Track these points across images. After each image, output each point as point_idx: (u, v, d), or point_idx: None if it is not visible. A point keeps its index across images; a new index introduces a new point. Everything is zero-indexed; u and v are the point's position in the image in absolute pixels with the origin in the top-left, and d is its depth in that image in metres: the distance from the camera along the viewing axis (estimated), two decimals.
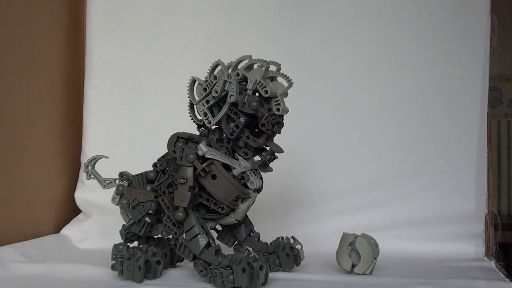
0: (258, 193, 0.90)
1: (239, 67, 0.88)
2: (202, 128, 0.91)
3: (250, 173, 0.87)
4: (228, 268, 0.82)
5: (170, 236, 0.88)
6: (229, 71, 0.88)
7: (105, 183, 0.96)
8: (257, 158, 0.90)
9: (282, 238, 0.97)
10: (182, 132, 0.89)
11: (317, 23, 1.26)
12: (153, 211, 0.90)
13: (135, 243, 0.94)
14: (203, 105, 0.88)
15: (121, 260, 0.88)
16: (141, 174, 0.93)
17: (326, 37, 1.26)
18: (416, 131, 1.22)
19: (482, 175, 1.18)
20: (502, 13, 1.19)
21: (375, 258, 0.93)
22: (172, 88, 1.26)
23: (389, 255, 1.04)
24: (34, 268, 0.97)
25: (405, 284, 0.86)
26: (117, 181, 0.95)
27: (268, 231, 1.03)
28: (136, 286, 0.85)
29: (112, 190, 0.95)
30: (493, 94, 2.11)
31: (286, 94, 0.87)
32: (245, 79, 0.86)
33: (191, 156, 0.84)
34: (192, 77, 0.91)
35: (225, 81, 0.86)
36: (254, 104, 0.83)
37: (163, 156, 0.93)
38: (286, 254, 0.94)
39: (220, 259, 0.83)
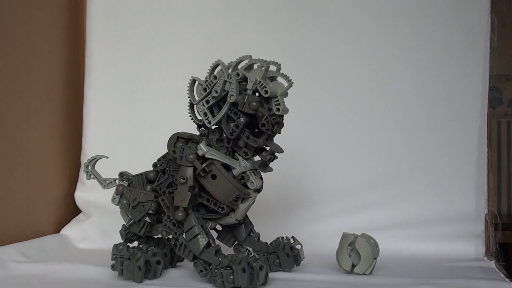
0: (258, 193, 0.90)
1: (239, 67, 0.88)
2: (202, 128, 0.91)
3: (250, 173, 0.87)
4: (228, 268, 0.82)
5: (170, 236, 0.88)
6: (229, 71, 0.88)
7: (105, 183, 0.96)
8: (257, 158, 0.90)
9: (282, 238, 0.97)
10: (182, 132, 0.89)
11: (317, 23, 1.26)
12: (153, 211, 0.90)
13: (135, 243, 0.94)
14: (203, 105, 0.88)
15: (121, 260, 0.88)
16: (141, 174, 0.93)
17: (326, 37, 1.26)
18: (416, 131, 1.22)
19: (482, 175, 1.17)
20: (502, 13, 1.19)
21: (375, 258, 0.93)
22: (172, 88, 1.26)
23: (389, 255, 1.04)
24: (34, 268, 0.97)
25: (405, 284, 0.86)
26: (117, 181, 0.95)
27: (268, 231, 1.03)
28: (136, 286, 0.85)
29: (112, 190, 0.95)
30: (493, 94, 2.11)
31: (286, 94, 0.87)
32: (245, 79, 0.86)
33: (191, 156, 0.84)
34: (192, 77, 0.91)
35: (225, 81, 0.86)
36: (254, 104, 0.83)
37: (163, 156, 0.93)
38: (286, 254, 0.94)
39: (220, 259, 0.83)
